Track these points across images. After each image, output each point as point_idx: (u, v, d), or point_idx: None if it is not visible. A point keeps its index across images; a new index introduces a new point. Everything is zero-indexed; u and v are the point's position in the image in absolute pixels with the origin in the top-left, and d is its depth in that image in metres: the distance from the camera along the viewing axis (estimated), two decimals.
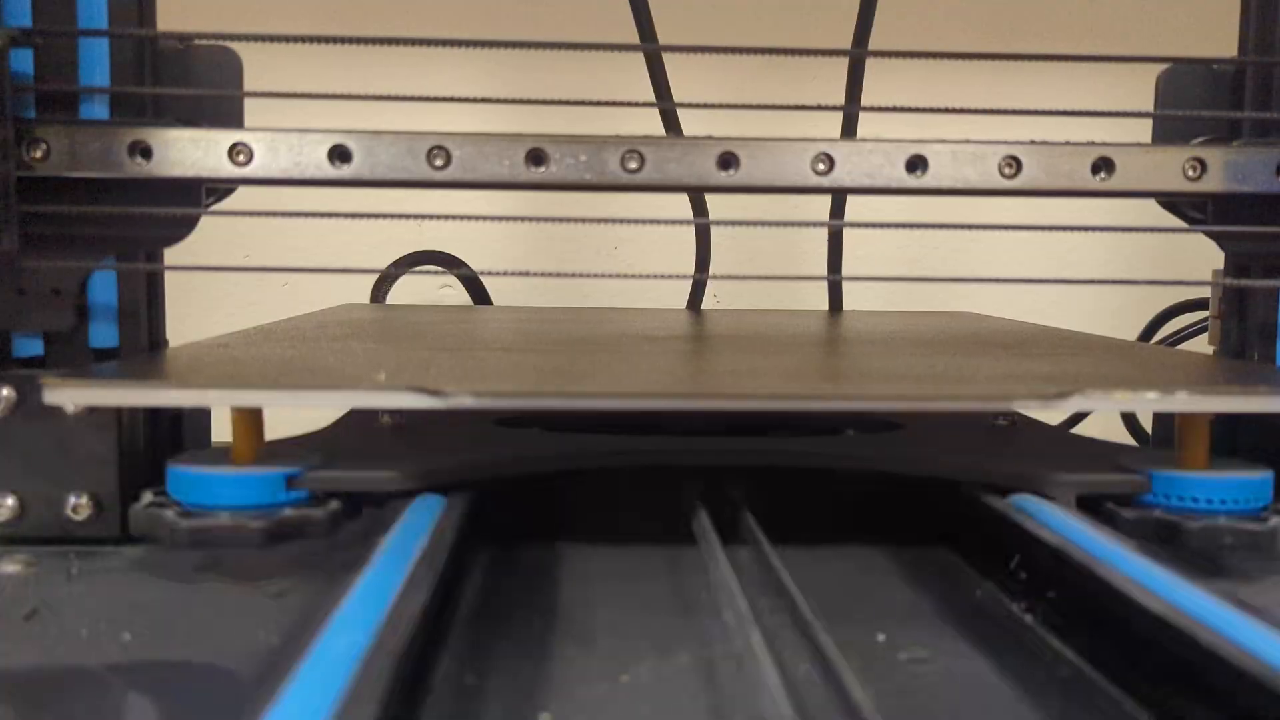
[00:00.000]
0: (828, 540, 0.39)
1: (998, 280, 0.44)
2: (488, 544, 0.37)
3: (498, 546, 0.38)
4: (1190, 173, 0.43)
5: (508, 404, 0.33)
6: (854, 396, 0.35)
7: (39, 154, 0.39)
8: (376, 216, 0.44)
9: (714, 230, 0.63)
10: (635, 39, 0.53)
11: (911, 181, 0.43)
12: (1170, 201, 0.48)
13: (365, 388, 0.34)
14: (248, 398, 0.35)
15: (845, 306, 0.69)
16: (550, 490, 0.41)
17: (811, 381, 0.39)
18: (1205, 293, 0.52)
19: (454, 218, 0.44)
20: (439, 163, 0.41)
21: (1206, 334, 0.53)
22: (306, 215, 0.41)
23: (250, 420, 0.37)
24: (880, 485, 0.40)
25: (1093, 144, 0.43)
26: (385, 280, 0.76)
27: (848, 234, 0.67)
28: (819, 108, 0.43)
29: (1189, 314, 0.66)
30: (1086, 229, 0.45)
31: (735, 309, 0.65)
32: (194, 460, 0.36)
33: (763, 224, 0.43)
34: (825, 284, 0.69)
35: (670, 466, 0.40)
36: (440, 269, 0.75)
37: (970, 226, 0.43)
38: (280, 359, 0.40)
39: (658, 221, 0.45)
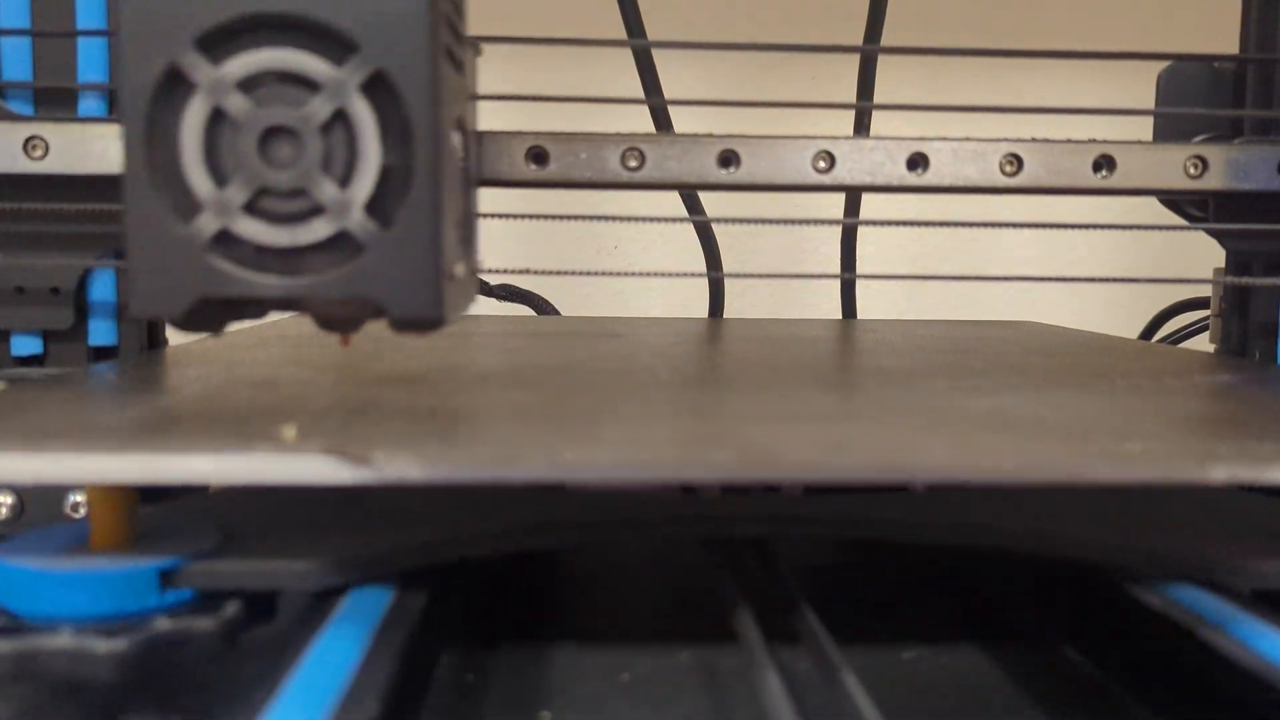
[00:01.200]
0: (910, 638, 0.30)
1: (1004, 279, 0.44)
2: (453, 650, 0.29)
3: (467, 653, 0.29)
4: (1191, 170, 0.43)
5: (466, 476, 0.23)
6: (978, 470, 0.24)
7: (38, 152, 0.39)
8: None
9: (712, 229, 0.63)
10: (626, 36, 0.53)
11: (912, 179, 0.43)
12: (1171, 199, 0.48)
13: (259, 450, 0.23)
14: (53, 469, 0.24)
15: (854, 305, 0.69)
16: (541, 573, 0.35)
17: (901, 435, 0.27)
18: (1206, 292, 0.52)
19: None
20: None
21: (1207, 332, 0.53)
22: None
23: (112, 492, 0.26)
24: (979, 563, 0.33)
25: (1094, 141, 0.43)
26: None
27: (843, 231, 0.67)
28: (824, 105, 0.43)
29: (1189, 312, 0.66)
30: (1087, 226, 0.45)
31: (756, 319, 0.64)
32: (23, 549, 0.26)
33: (765, 221, 0.43)
34: (831, 282, 0.69)
35: (699, 538, 0.31)
36: None
37: (973, 224, 0.43)
38: (156, 404, 0.30)
39: (660, 220, 0.45)
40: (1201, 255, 0.54)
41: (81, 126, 0.39)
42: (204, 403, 0.30)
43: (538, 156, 0.41)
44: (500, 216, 0.44)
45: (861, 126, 0.57)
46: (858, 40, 0.63)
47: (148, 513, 0.29)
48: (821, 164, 0.42)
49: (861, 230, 0.66)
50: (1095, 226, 0.45)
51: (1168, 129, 0.47)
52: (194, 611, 0.25)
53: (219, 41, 0.28)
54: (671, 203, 0.62)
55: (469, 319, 0.60)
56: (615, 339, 0.50)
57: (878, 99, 0.63)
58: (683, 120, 0.55)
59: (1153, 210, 0.48)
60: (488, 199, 0.43)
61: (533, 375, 0.37)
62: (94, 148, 0.39)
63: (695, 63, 0.49)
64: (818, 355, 0.48)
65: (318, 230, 0.29)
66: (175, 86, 0.28)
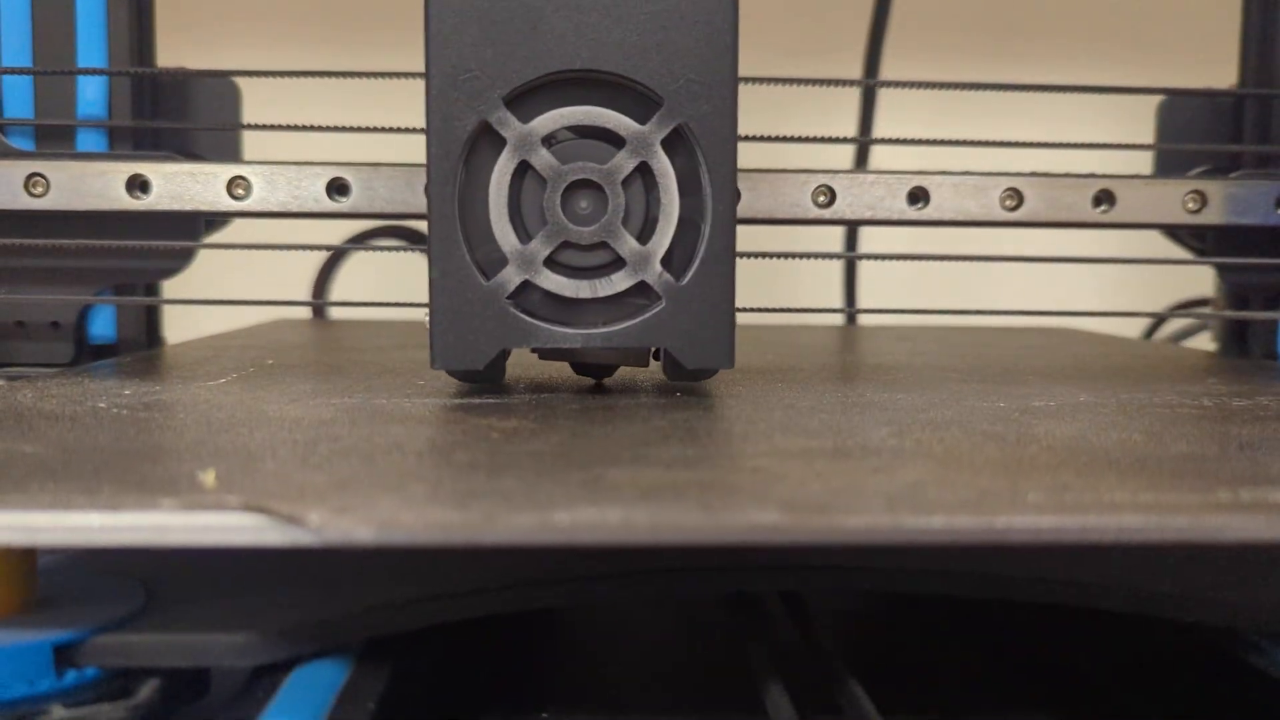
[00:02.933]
0: (972, 712, 0.26)
1: (1006, 313, 0.44)
2: None
3: None
4: (1191, 205, 0.43)
5: (427, 540, 0.18)
6: (1095, 530, 0.19)
7: (39, 190, 0.39)
8: (375, 249, 0.44)
9: None
10: None
11: (913, 213, 0.43)
12: (1172, 231, 0.48)
13: (162, 507, 0.19)
14: None
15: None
16: (528, 638, 0.30)
17: (982, 478, 0.21)
18: (1207, 290, 0.52)
19: None
20: None
21: (1208, 331, 0.54)
22: (303, 248, 0.41)
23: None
24: (1049, 619, 0.27)
25: (1094, 176, 0.43)
26: (325, 275, 0.64)
27: (845, 263, 0.67)
28: (821, 140, 0.43)
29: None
30: (1089, 261, 0.45)
31: (757, 325, 0.62)
32: None
33: (760, 256, 0.43)
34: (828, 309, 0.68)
35: (719, 597, 0.27)
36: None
37: (973, 258, 0.43)
38: (75, 436, 0.25)
39: None
40: (1199, 271, 0.54)
41: (81, 164, 0.40)
42: (123, 434, 0.25)
43: None
44: None
45: (861, 160, 0.57)
46: (856, 73, 0.63)
47: (52, 565, 0.24)
48: (822, 198, 0.42)
49: (861, 263, 0.66)
50: (1096, 261, 0.45)
51: (1166, 161, 0.47)
52: (100, 696, 0.20)
53: (526, 99, 0.29)
54: None
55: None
56: None
57: (877, 132, 0.63)
58: None
59: (1152, 234, 0.48)
60: None
61: (521, 396, 0.32)
62: (94, 184, 0.39)
63: None
64: (848, 363, 0.45)
65: (618, 283, 0.30)
66: (484, 143, 0.29)
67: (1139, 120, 0.48)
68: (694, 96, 0.29)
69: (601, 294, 0.29)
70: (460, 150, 0.29)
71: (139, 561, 0.24)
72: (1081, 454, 0.23)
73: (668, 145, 0.29)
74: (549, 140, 0.29)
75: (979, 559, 0.25)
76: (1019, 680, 0.28)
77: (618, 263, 0.30)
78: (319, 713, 0.20)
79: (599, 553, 0.25)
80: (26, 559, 0.22)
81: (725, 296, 0.30)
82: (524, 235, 0.29)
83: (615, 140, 0.29)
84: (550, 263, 0.29)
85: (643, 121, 0.29)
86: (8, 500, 0.19)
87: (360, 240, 0.61)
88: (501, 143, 0.29)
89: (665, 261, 0.29)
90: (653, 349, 0.31)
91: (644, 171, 0.29)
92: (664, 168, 0.29)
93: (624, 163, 0.29)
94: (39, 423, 0.26)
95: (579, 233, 0.29)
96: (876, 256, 0.45)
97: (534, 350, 0.31)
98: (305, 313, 0.64)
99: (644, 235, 0.30)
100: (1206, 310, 0.55)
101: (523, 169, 0.29)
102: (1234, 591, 0.24)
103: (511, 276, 0.29)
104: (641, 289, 0.30)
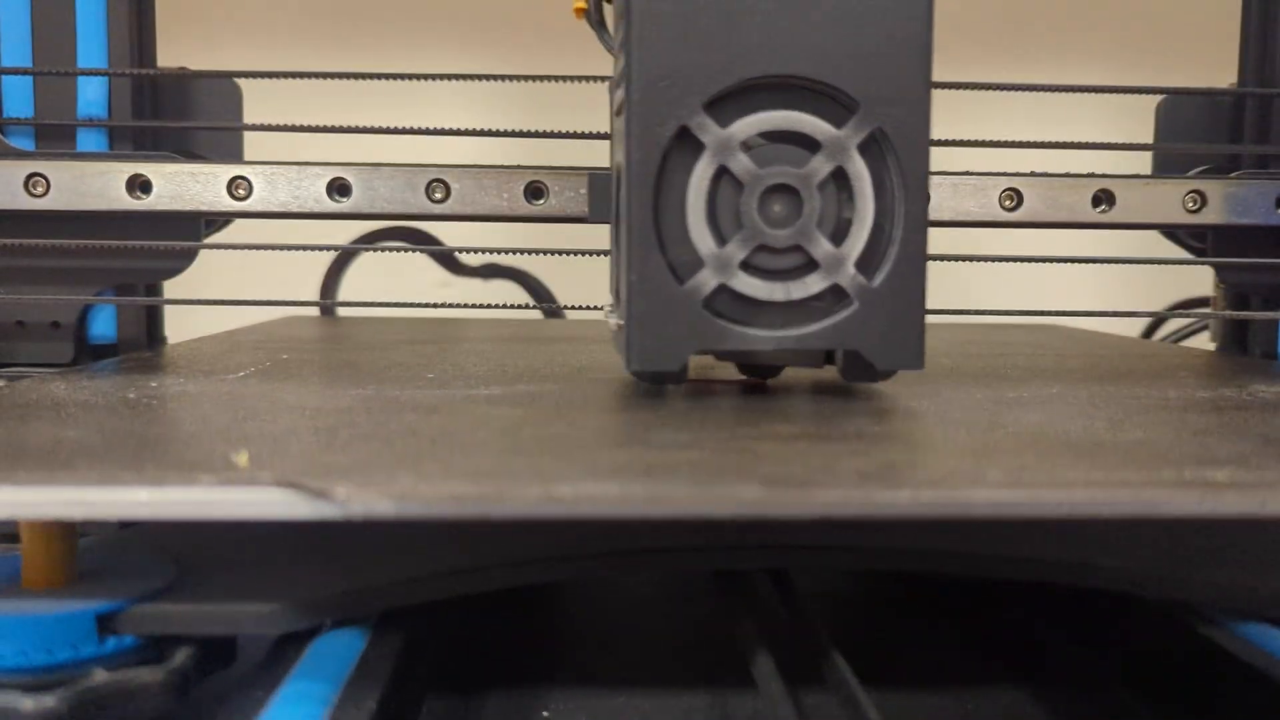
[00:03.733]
0: (947, 681, 0.27)
1: (1008, 313, 0.44)
2: (435, 703, 0.26)
3: (450, 706, 0.26)
4: (1190, 205, 0.43)
5: (444, 513, 0.20)
6: (1044, 504, 0.20)
7: (39, 189, 0.39)
8: (375, 249, 0.44)
9: None
10: None
11: None
12: (1171, 231, 0.48)
13: (203, 483, 0.20)
14: None
15: None
16: (534, 611, 0.32)
17: (948, 460, 0.24)
18: (1207, 289, 0.52)
19: (452, 250, 0.44)
20: (438, 196, 0.41)
21: (1208, 330, 0.54)
22: (305, 249, 0.41)
23: (45, 525, 0.23)
24: (1022, 596, 0.30)
25: (1093, 176, 0.43)
26: (335, 275, 0.64)
27: None
28: None
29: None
30: (1087, 261, 0.45)
31: None
32: None
33: None
34: None
35: (710, 571, 0.29)
36: (402, 246, 0.74)
37: (973, 258, 0.43)
38: (106, 422, 0.27)
39: None
40: (1199, 271, 0.54)
41: (82, 164, 0.40)
42: (157, 420, 0.27)
43: (536, 192, 0.41)
44: (495, 250, 0.44)
45: None
46: None
47: (91, 544, 0.26)
48: None
49: None
50: (1095, 261, 0.45)
51: (1166, 160, 0.47)
52: (138, 661, 0.21)
53: (720, 104, 0.29)
54: None
55: (448, 323, 0.59)
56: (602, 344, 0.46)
57: None
58: None
59: (1152, 234, 0.48)
60: (482, 226, 0.43)
61: (530, 383, 0.34)
62: (93, 184, 0.40)
63: None
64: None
65: (811, 285, 0.30)
66: (683, 148, 0.29)
67: (1139, 120, 0.48)
68: (890, 100, 0.29)
69: (795, 296, 0.30)
70: (659, 155, 0.29)
71: (170, 540, 0.26)
72: (1047, 440, 0.25)
73: (866, 149, 0.30)
74: (743, 144, 0.29)
75: (955, 538, 0.27)
76: (991, 653, 0.30)
77: (809, 265, 0.30)
78: (340, 678, 0.21)
79: (600, 532, 0.27)
80: (69, 536, 0.23)
81: (917, 298, 0.30)
82: (720, 239, 0.29)
83: (808, 144, 0.30)
84: (749, 267, 0.30)
85: (834, 125, 0.29)
86: (59, 477, 0.20)
87: (365, 241, 0.62)
88: (696, 147, 0.29)
89: (857, 264, 0.30)
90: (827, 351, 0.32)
91: (836, 175, 0.30)
92: (859, 171, 0.30)
93: (820, 166, 0.29)
94: (76, 411, 0.27)
95: (774, 236, 0.29)
96: None
97: (707, 351, 0.31)
98: (313, 309, 0.64)
99: (835, 238, 0.30)
100: (1205, 310, 0.55)
101: (718, 173, 0.29)
102: (1192, 569, 0.26)
103: (708, 279, 0.29)
104: (832, 291, 0.30)
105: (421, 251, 0.57)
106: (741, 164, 0.29)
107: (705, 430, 0.26)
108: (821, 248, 0.30)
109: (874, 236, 0.30)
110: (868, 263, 0.30)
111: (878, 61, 0.29)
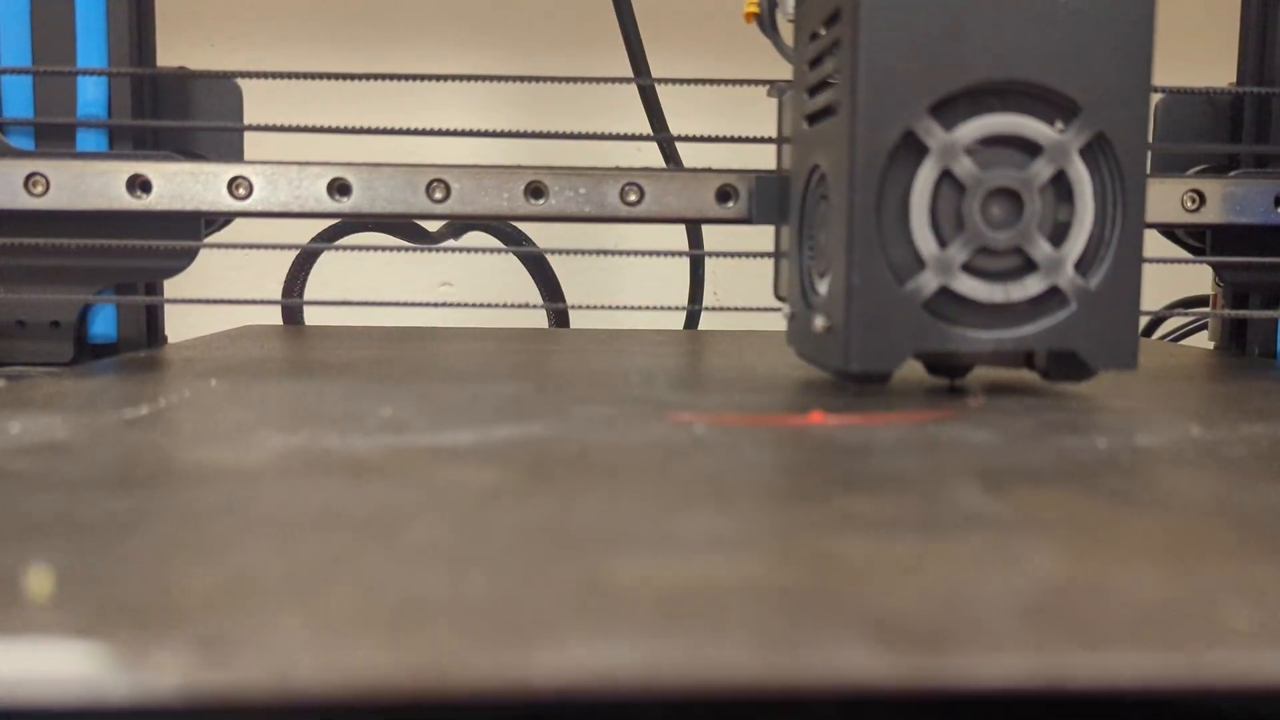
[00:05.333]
0: None
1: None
2: None
3: None
4: (1189, 204, 0.43)
5: (339, 696, 0.12)
6: None
7: (39, 189, 0.39)
8: (370, 250, 0.44)
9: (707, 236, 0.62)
10: (631, 73, 0.53)
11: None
12: (1169, 230, 0.48)
13: None
14: None
15: None
16: None
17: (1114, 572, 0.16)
18: (1206, 288, 0.52)
19: (452, 249, 0.44)
20: (438, 195, 0.41)
21: (1207, 330, 0.54)
22: (305, 248, 0.41)
23: None
24: None
25: None
26: (297, 276, 0.55)
27: None
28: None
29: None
30: None
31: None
32: None
33: (753, 255, 0.43)
34: None
35: None
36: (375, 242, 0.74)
37: None
38: None
39: (661, 253, 0.45)
40: (1199, 270, 0.54)
41: (81, 163, 0.40)
42: None
43: (537, 191, 0.41)
44: (486, 250, 0.44)
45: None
46: None
47: None
48: (632, 196, 0.42)
49: None
50: None
51: (1165, 158, 0.48)
52: None
53: (949, 108, 0.29)
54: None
55: (416, 338, 0.50)
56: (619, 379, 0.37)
57: None
58: (681, 152, 0.55)
59: (1150, 233, 0.48)
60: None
61: (501, 434, 0.26)
62: (94, 184, 0.40)
63: (691, 97, 0.49)
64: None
65: (1030, 287, 0.30)
66: (906, 151, 0.29)
67: None
68: (1111, 104, 0.29)
69: (1014, 298, 0.30)
70: (884, 158, 0.29)
71: None
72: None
73: (1082, 152, 0.30)
74: (966, 148, 0.30)
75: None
76: None
77: (1028, 267, 0.30)
78: None
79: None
80: None
81: (1134, 300, 0.30)
82: (941, 241, 0.30)
83: (1028, 147, 0.30)
84: (969, 269, 0.30)
85: (1054, 128, 0.29)
86: None
87: (329, 239, 0.57)
88: (919, 150, 0.29)
89: (1076, 266, 0.30)
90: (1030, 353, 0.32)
91: (1055, 178, 0.30)
92: (1080, 175, 0.30)
93: (1042, 170, 0.30)
94: None
95: (995, 238, 0.29)
96: None
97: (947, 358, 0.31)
98: (275, 319, 0.59)
99: (1053, 240, 0.30)
100: (1205, 309, 0.55)
101: (941, 176, 0.29)
102: None
103: (929, 281, 0.29)
104: (1052, 294, 0.30)
105: (412, 249, 0.57)
106: (965, 167, 0.29)
107: (753, 508, 0.20)
108: (1041, 250, 0.30)
109: (1091, 239, 0.30)
110: (1085, 264, 0.30)
111: (1099, 66, 0.29)
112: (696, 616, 0.14)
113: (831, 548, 0.17)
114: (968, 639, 0.13)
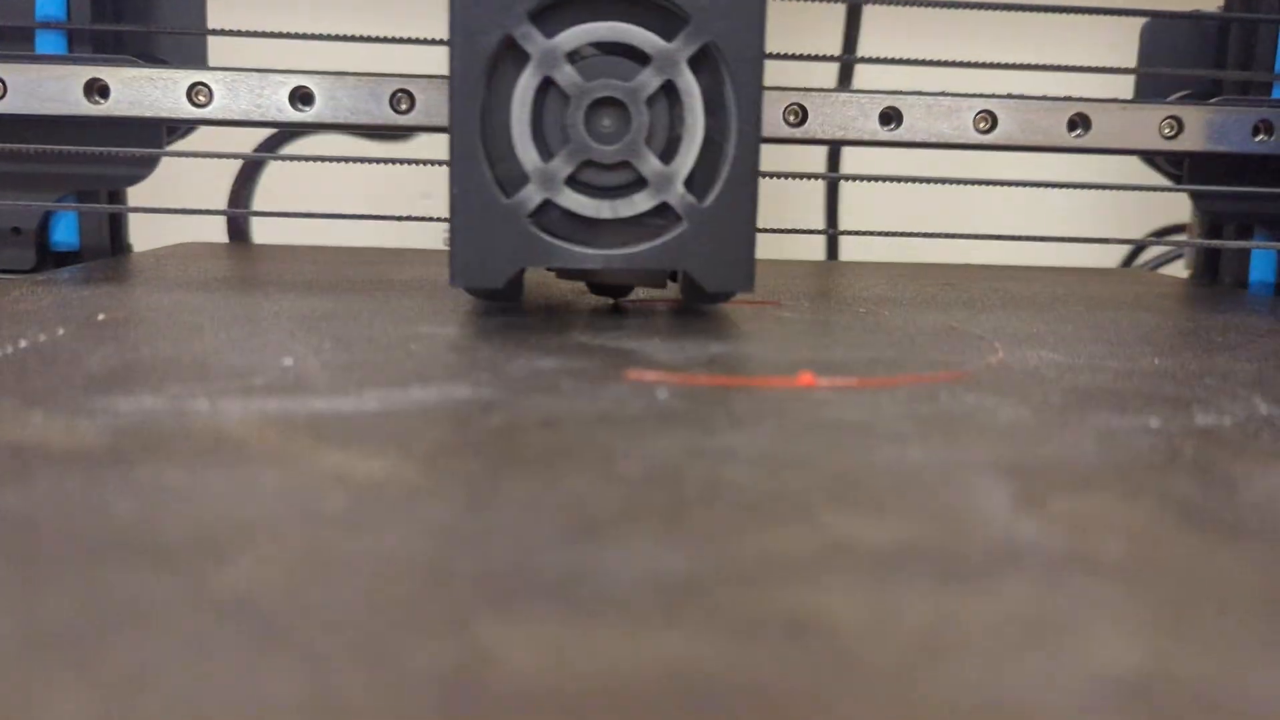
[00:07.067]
0: None
1: (997, 238, 0.44)
2: None
3: None
4: (1167, 131, 0.42)
5: None
6: None
7: None
8: (341, 160, 0.43)
9: None
10: None
11: (885, 134, 0.42)
12: (1149, 157, 0.47)
13: None
14: None
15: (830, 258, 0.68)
16: None
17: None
18: (1184, 217, 0.52)
19: (432, 162, 0.43)
20: (403, 107, 0.40)
21: (1184, 259, 0.53)
22: (270, 158, 0.40)
23: None
24: None
25: (1069, 99, 0.42)
26: (246, 178, 0.54)
27: (820, 184, 0.66)
28: (802, 57, 0.42)
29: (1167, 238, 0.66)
30: (1065, 186, 0.44)
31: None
32: None
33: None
34: (810, 236, 0.68)
35: None
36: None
37: (947, 181, 0.43)
38: None
39: None
40: (1180, 198, 0.53)
41: (37, 67, 0.39)
42: None
43: None
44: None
45: (845, 80, 0.56)
46: None
47: None
48: (791, 118, 0.41)
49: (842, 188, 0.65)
50: (1072, 186, 0.44)
51: (1148, 85, 0.47)
52: None
53: (551, 14, 0.28)
54: None
55: (406, 251, 0.49)
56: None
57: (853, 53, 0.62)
58: None
59: (1133, 159, 0.47)
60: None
61: (414, 396, 0.21)
62: (50, 89, 0.39)
63: None
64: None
65: (639, 204, 0.29)
66: (507, 59, 0.28)
67: (1122, 44, 0.47)
68: (722, 14, 0.28)
69: (622, 214, 0.29)
70: (484, 65, 0.28)
71: None
72: None
73: (693, 63, 0.29)
74: (572, 56, 0.29)
75: None
76: None
77: (639, 183, 0.29)
78: None
79: None
80: None
81: (748, 219, 0.29)
82: (545, 153, 0.29)
83: (639, 57, 0.29)
84: (571, 181, 0.29)
85: (667, 39, 0.28)
86: None
87: (272, 148, 0.56)
88: (523, 58, 0.28)
89: (688, 182, 0.29)
90: (670, 271, 0.31)
91: (667, 90, 0.29)
92: (689, 86, 0.29)
93: (649, 80, 0.29)
94: None
95: (601, 151, 0.29)
96: (853, 177, 0.44)
97: (551, 270, 0.30)
98: (221, 234, 0.58)
99: (666, 155, 0.29)
100: (1181, 238, 0.54)
101: (545, 85, 0.29)
102: None
103: (533, 195, 0.29)
104: (663, 210, 0.29)
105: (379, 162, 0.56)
106: (568, 76, 0.28)
107: (710, 532, 0.15)
108: (650, 165, 0.29)
109: (706, 155, 0.29)
110: (698, 182, 0.29)
111: None
112: None
113: (812, 609, 0.12)
114: None
